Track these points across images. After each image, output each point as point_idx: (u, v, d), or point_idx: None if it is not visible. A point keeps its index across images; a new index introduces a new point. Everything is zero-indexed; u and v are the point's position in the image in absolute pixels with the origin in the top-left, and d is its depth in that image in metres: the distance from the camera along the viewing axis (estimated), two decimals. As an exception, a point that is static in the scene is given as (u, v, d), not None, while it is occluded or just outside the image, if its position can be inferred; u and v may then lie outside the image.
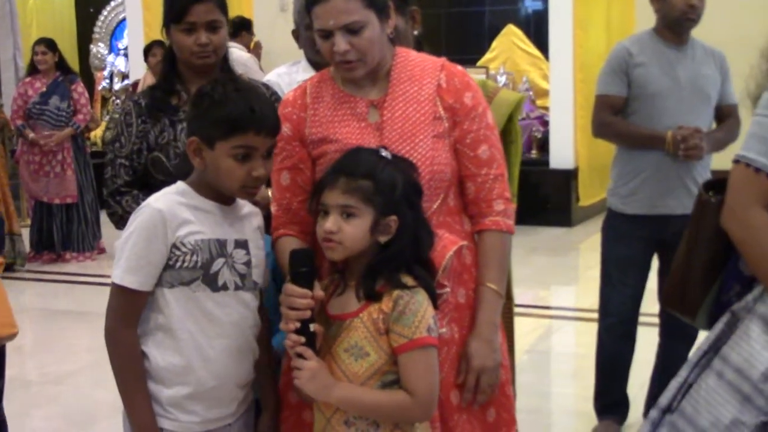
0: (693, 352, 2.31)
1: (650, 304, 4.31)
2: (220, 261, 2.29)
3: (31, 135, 8.57)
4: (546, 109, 10.38)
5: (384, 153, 2.24)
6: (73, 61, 10.76)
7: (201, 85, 2.38)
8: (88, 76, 12.76)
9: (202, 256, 2.26)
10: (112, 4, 13.91)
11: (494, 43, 11.44)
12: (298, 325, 2.17)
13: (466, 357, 2.41)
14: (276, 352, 2.55)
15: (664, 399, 2.30)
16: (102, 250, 8.97)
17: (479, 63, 10.96)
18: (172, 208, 2.26)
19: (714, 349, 2.25)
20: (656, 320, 4.32)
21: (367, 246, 2.19)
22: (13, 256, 8.10)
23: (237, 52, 7.26)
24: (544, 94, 10.58)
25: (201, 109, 2.30)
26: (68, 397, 5.12)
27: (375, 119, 2.45)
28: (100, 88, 13.53)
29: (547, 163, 9.94)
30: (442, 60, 2.54)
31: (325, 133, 2.45)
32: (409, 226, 2.19)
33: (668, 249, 3.97)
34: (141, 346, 2.29)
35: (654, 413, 2.31)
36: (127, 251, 2.24)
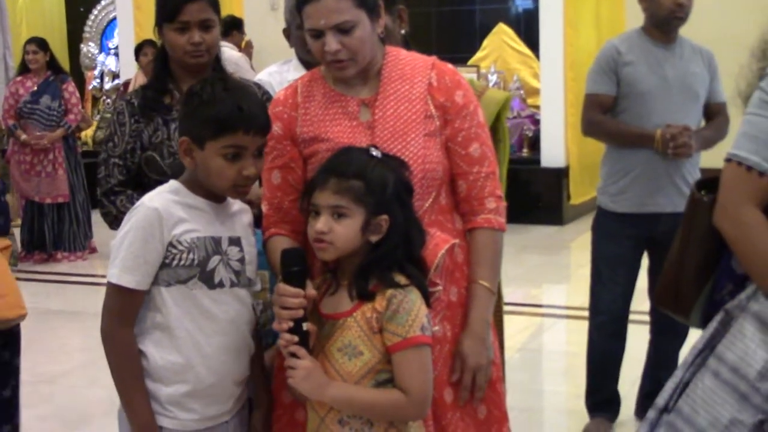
0: (688, 352, 2.31)
1: (640, 301, 4.34)
2: (216, 258, 2.30)
3: (23, 137, 8.56)
4: (537, 107, 10.37)
5: (374, 152, 2.24)
6: (63, 61, 10.73)
7: (191, 85, 2.38)
8: (78, 76, 12.73)
9: (199, 254, 2.27)
10: (103, 3, 13.87)
11: (485, 42, 11.43)
12: (291, 324, 2.17)
13: (460, 356, 2.41)
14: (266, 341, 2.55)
15: (660, 399, 2.30)
16: (93, 250, 8.95)
17: (470, 62, 10.95)
18: (167, 207, 2.26)
19: (709, 347, 2.25)
20: (647, 318, 4.34)
21: (358, 246, 2.19)
22: (5, 256, 8.06)
23: (228, 51, 7.27)
24: (535, 92, 10.58)
25: (190, 109, 2.31)
26: (61, 397, 5.12)
27: (366, 118, 2.45)
28: (90, 87, 13.50)
29: (538, 161, 9.95)
30: (433, 59, 2.55)
31: (316, 132, 2.46)
32: (400, 225, 2.19)
33: (658, 247, 4.00)
34: (138, 345, 2.29)
35: (651, 413, 2.31)
36: (124, 250, 2.24)
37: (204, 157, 2.27)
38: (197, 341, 2.28)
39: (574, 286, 7.42)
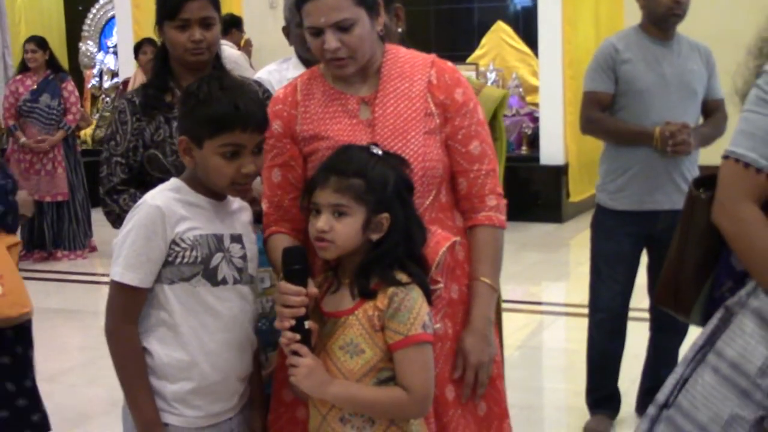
0: (688, 348, 2.32)
1: (640, 299, 4.34)
2: (219, 256, 2.31)
3: (23, 139, 8.56)
4: (535, 105, 10.38)
5: (375, 150, 2.24)
6: (62, 59, 10.72)
7: (188, 84, 2.39)
8: (77, 75, 12.72)
9: (202, 251, 2.28)
10: (101, 1, 13.86)
11: (483, 40, 11.44)
12: (292, 322, 2.17)
13: (462, 353, 2.42)
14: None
15: (661, 395, 2.30)
16: (93, 249, 8.95)
17: (469, 60, 10.96)
18: (169, 205, 2.27)
19: (709, 344, 2.25)
20: (646, 315, 4.34)
21: (359, 244, 2.19)
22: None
23: (228, 50, 7.27)
24: (534, 90, 10.59)
25: (188, 109, 2.32)
26: (61, 395, 5.11)
27: (366, 116, 2.45)
28: (89, 86, 13.50)
29: (537, 159, 9.95)
30: (432, 56, 2.55)
31: (316, 130, 2.46)
32: (401, 223, 2.19)
33: (657, 244, 4.01)
34: (143, 342, 2.30)
35: (651, 409, 2.31)
36: (127, 248, 2.25)
37: (203, 155, 2.28)
38: (201, 338, 2.29)
39: (573, 284, 7.42)
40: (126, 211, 2.38)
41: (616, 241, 4.17)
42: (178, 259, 2.26)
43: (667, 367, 2.89)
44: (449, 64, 2.56)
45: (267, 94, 2.97)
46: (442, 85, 2.48)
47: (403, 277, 2.17)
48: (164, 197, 2.30)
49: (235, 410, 2.40)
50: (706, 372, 2.21)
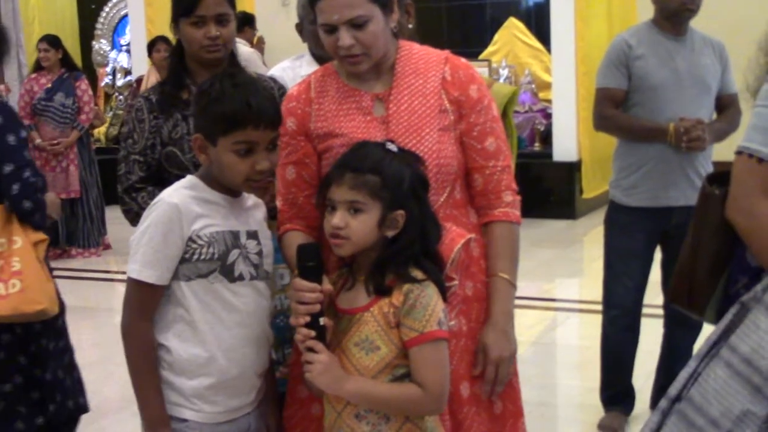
0: (702, 344, 2.31)
1: (654, 295, 4.33)
2: (235, 252, 2.32)
3: (38, 140, 8.58)
4: (548, 101, 10.37)
5: (390, 146, 2.24)
6: (75, 58, 10.75)
7: (202, 82, 2.40)
8: (90, 73, 12.76)
9: (218, 247, 2.29)
10: (114, 0, 13.91)
11: (496, 36, 11.43)
12: (308, 319, 2.18)
13: (483, 348, 2.41)
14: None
15: (673, 389, 2.30)
16: (107, 247, 8.98)
17: (481, 56, 10.95)
18: (186, 203, 2.29)
19: (723, 339, 2.25)
20: (660, 311, 4.34)
21: (374, 241, 2.19)
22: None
23: (240, 48, 7.27)
24: (547, 86, 10.58)
25: (201, 107, 2.33)
26: (75, 393, 5.13)
27: (380, 113, 2.45)
28: (102, 84, 13.54)
29: (550, 155, 9.94)
30: (446, 53, 2.55)
31: (330, 127, 2.46)
32: (416, 219, 2.19)
33: (671, 240, 4.00)
34: (162, 339, 2.31)
35: (663, 403, 2.31)
36: (144, 246, 2.26)
37: (217, 153, 2.29)
38: (219, 334, 2.30)
39: (586, 280, 7.42)
40: (144, 209, 2.39)
41: (630, 238, 4.16)
42: (195, 256, 2.28)
43: (681, 364, 2.87)
44: (463, 60, 2.56)
45: (282, 91, 2.98)
46: (457, 82, 2.47)
47: (418, 274, 2.17)
48: (180, 195, 2.31)
49: (253, 405, 2.42)
50: (719, 366, 2.21)
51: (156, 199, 2.33)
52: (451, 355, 2.29)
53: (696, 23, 4.16)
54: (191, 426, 2.32)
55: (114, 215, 3.02)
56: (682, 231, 2.58)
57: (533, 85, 10.79)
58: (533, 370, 5.03)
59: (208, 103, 2.28)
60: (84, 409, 3.71)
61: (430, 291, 2.16)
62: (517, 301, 3.18)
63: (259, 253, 2.38)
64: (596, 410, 4.40)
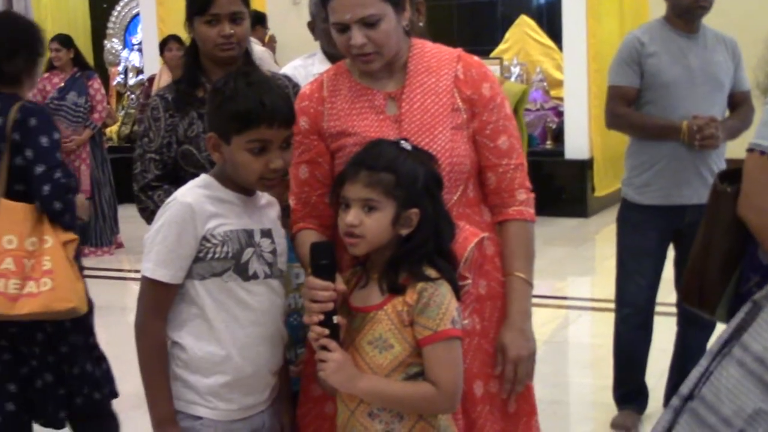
0: (714, 342, 2.31)
1: (667, 293, 4.32)
2: (250, 251, 2.32)
3: None
4: (560, 99, 10.35)
5: (404, 145, 2.24)
6: (87, 57, 10.78)
7: (215, 81, 2.40)
8: (102, 72, 12.78)
9: (232, 246, 2.29)
10: (126, -1, 13.95)
11: (507, 34, 11.41)
12: (321, 317, 2.18)
13: (501, 348, 2.41)
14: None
15: (685, 387, 2.30)
16: (120, 245, 8.99)
17: (492, 54, 10.93)
18: (200, 202, 2.29)
19: (735, 337, 2.25)
20: (673, 309, 4.32)
21: (388, 239, 2.19)
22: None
23: (253, 46, 7.29)
24: (558, 84, 10.55)
25: (215, 105, 2.33)
26: (88, 391, 5.14)
27: (393, 111, 2.45)
28: (114, 83, 13.55)
29: (562, 153, 9.92)
30: (459, 51, 2.54)
31: (343, 126, 2.46)
32: (430, 218, 2.19)
33: (684, 239, 3.99)
34: (176, 338, 2.32)
35: (675, 401, 2.31)
36: (158, 245, 2.27)
37: (231, 151, 2.29)
38: (234, 332, 2.31)
39: (599, 279, 7.41)
40: (160, 208, 2.40)
41: (643, 236, 4.15)
42: (209, 255, 2.28)
43: (695, 363, 2.87)
44: (476, 58, 2.55)
45: (296, 89, 2.98)
46: (469, 80, 2.47)
47: (432, 272, 2.17)
48: (194, 194, 2.31)
49: (267, 403, 2.42)
50: (731, 365, 2.21)
51: (170, 199, 2.33)
52: (464, 353, 2.28)
53: (707, 21, 4.15)
54: (206, 423, 2.33)
55: (127, 214, 3.04)
56: (695, 229, 2.57)
57: (545, 83, 10.77)
58: (546, 368, 5.01)
59: (222, 101, 2.29)
60: (114, 394, 3.87)
61: (444, 290, 2.16)
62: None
63: (273, 252, 2.39)
64: (609, 408, 4.39)
